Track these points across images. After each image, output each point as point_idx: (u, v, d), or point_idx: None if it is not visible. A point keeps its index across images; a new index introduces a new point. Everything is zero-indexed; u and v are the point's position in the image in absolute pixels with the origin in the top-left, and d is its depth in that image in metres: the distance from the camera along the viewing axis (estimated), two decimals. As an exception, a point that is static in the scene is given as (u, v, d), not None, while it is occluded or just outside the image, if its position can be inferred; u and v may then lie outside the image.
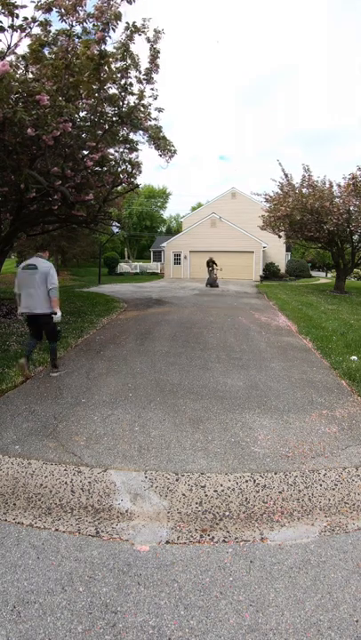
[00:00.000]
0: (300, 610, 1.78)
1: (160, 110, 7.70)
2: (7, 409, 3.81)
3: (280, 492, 2.63)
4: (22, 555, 2.10)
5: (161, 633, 1.67)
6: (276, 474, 2.78)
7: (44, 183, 6.42)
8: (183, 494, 2.61)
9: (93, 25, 5.62)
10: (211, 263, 19.34)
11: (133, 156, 8.47)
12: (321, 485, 2.69)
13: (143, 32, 6.47)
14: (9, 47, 5.57)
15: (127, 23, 6.18)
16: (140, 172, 8.73)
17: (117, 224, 19.11)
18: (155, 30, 6.58)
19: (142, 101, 7.26)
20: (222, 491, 2.64)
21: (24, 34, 5.51)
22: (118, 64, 6.56)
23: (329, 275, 37.67)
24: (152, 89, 7.29)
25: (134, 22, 6.29)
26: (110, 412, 3.77)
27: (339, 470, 2.82)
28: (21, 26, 5.40)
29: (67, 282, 22.48)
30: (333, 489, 2.67)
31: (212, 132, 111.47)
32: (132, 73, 6.85)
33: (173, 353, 5.97)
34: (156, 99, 7.45)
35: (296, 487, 2.67)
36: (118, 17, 5.58)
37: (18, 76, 5.52)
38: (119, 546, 2.20)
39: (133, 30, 6.31)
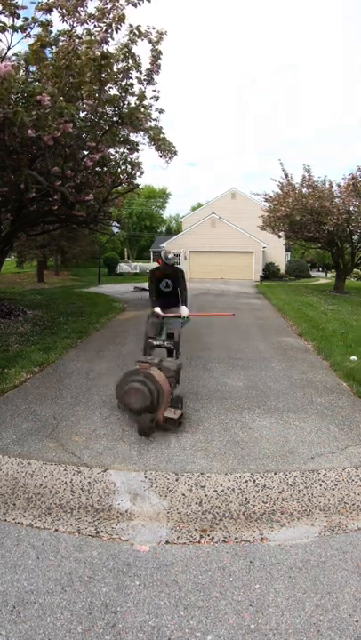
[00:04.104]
0: (299, 610, 1.78)
1: (161, 111, 7.72)
2: (7, 409, 3.81)
3: (280, 492, 2.63)
4: (22, 555, 2.10)
5: (161, 633, 1.68)
6: (275, 474, 2.78)
7: (44, 183, 6.43)
8: (183, 494, 2.61)
9: (95, 26, 5.63)
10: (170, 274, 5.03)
11: (134, 156, 8.48)
12: (321, 485, 2.70)
13: (146, 36, 6.48)
14: (9, 48, 5.58)
15: (131, 26, 6.20)
16: (142, 172, 8.74)
17: (117, 224, 18.99)
18: (157, 32, 6.60)
19: (143, 102, 7.27)
20: (222, 491, 2.64)
21: (24, 34, 5.51)
22: (120, 65, 6.57)
23: (329, 275, 37.73)
24: (153, 90, 7.30)
25: (138, 26, 6.31)
26: (110, 411, 3.77)
27: (338, 470, 2.82)
28: (22, 26, 5.40)
29: (67, 282, 22.49)
30: (333, 489, 2.67)
31: (213, 132, 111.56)
32: (134, 74, 6.87)
33: (173, 353, 5.96)
34: (157, 100, 7.46)
35: (296, 487, 2.68)
36: (122, 19, 5.59)
37: (18, 76, 5.52)
38: (119, 546, 2.20)
39: (137, 34, 6.33)
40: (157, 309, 4.51)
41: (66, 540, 2.23)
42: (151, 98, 7.35)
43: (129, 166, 8.48)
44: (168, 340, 4.30)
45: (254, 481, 2.71)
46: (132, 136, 8.04)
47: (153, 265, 34.69)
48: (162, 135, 7.74)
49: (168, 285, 4.71)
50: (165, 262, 4.61)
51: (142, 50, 7.10)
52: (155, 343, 4.23)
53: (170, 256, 4.65)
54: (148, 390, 3.10)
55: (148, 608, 1.79)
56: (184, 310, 4.55)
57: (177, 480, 2.71)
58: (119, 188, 9.48)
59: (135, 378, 3.19)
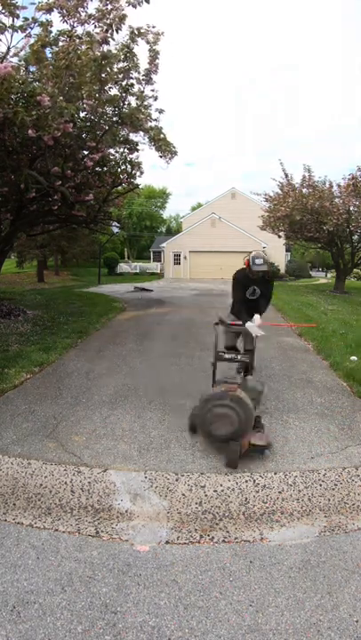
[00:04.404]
0: (299, 610, 1.78)
1: (160, 111, 7.71)
2: (7, 409, 3.81)
3: (280, 492, 2.63)
4: (22, 555, 2.10)
5: (161, 633, 1.68)
6: (275, 474, 2.78)
7: (44, 183, 6.43)
8: (183, 494, 2.61)
9: (95, 26, 5.64)
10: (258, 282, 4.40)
11: (134, 156, 8.47)
12: (321, 485, 2.69)
13: (145, 35, 6.49)
14: (9, 48, 5.58)
15: (130, 26, 6.21)
16: (142, 172, 8.74)
17: (117, 224, 18.95)
18: (155, 32, 6.60)
19: (143, 102, 7.27)
20: (222, 491, 2.64)
21: (24, 34, 5.52)
22: (120, 65, 6.57)
23: (329, 275, 37.73)
24: (152, 90, 7.30)
25: (139, 28, 6.32)
26: (110, 412, 3.78)
27: (338, 470, 2.82)
28: (22, 26, 5.40)
29: (67, 282, 22.51)
30: (333, 489, 2.67)
31: (212, 132, 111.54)
32: (133, 74, 6.87)
33: (173, 353, 5.97)
34: (156, 99, 7.46)
35: (296, 487, 2.68)
36: (123, 19, 5.60)
37: (18, 76, 5.52)
38: (119, 546, 2.20)
39: (136, 34, 6.34)
40: (250, 324, 3.92)
41: (66, 540, 2.23)
42: (150, 97, 7.35)
43: (129, 166, 8.47)
44: (244, 354, 3.86)
45: (254, 481, 2.71)
46: (132, 136, 8.04)
47: (154, 265, 34.69)
48: (162, 135, 7.73)
49: (254, 293, 4.19)
50: (251, 268, 3.98)
51: (141, 50, 7.08)
52: (226, 356, 3.77)
53: (258, 261, 3.92)
54: (237, 415, 2.81)
55: (148, 608, 1.79)
56: (253, 322, 3.92)
57: (177, 480, 2.71)
58: (119, 187, 9.48)
59: (221, 402, 2.87)
